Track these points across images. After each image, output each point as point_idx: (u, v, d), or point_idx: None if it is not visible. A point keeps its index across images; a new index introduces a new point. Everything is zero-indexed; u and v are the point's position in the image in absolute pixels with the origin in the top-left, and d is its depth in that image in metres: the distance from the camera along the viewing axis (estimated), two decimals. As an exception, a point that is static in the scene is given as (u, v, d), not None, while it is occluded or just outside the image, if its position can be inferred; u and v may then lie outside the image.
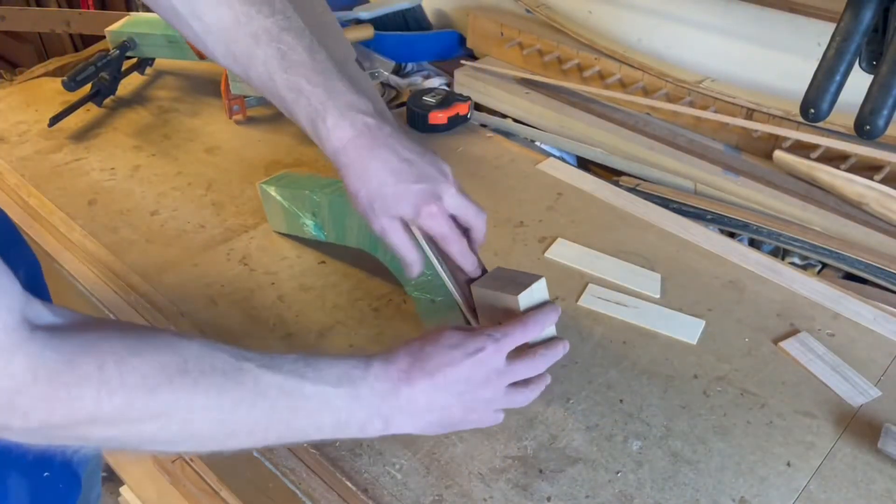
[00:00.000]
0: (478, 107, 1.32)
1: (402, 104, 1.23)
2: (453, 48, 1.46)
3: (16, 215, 0.99)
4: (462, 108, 1.18)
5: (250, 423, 0.52)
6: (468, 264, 0.68)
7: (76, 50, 2.02)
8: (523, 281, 0.66)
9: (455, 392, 0.58)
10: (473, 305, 0.70)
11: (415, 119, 1.18)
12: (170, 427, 0.48)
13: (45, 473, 0.72)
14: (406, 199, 0.63)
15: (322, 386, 0.54)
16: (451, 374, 0.57)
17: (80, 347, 0.44)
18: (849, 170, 1.07)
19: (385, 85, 1.30)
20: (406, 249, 0.66)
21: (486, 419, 0.62)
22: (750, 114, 1.18)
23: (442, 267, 0.69)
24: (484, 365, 0.59)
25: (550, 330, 0.66)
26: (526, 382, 0.63)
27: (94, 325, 0.47)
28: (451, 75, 1.36)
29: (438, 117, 1.16)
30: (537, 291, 0.65)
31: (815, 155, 1.11)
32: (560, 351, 0.64)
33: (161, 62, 1.35)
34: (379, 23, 1.40)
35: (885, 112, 0.73)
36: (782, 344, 0.81)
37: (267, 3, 0.63)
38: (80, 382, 0.44)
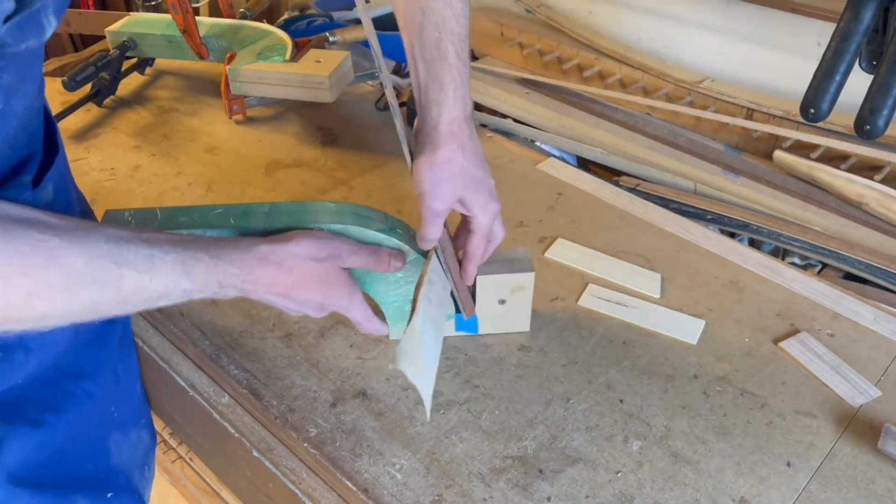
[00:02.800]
0: (478, 107, 1.32)
1: (403, 104, 1.24)
2: (453, 48, 1.46)
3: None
4: (462, 108, 1.18)
5: (119, 310, 0.57)
6: (478, 262, 0.73)
7: (76, 50, 2.02)
8: (513, 258, 0.77)
9: (285, 305, 0.65)
10: (469, 295, 0.76)
11: (414, 119, 1.18)
12: (47, 321, 0.54)
13: (109, 494, 0.77)
14: (485, 187, 0.69)
15: (195, 286, 0.58)
16: (286, 304, 0.64)
17: None
18: (849, 170, 1.07)
19: (385, 85, 1.30)
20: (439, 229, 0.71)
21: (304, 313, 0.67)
22: (750, 114, 1.18)
23: (444, 264, 0.72)
24: (320, 310, 0.66)
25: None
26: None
27: None
28: (451, 75, 1.36)
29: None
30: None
31: (815, 155, 1.11)
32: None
33: (161, 62, 1.35)
34: (379, 23, 1.40)
35: (885, 112, 0.73)
36: (782, 344, 0.81)
37: None
38: None
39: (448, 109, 0.67)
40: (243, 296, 0.62)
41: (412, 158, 0.69)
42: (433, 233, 0.69)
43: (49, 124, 0.69)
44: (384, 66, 0.69)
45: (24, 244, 0.50)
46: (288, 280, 0.62)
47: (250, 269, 0.60)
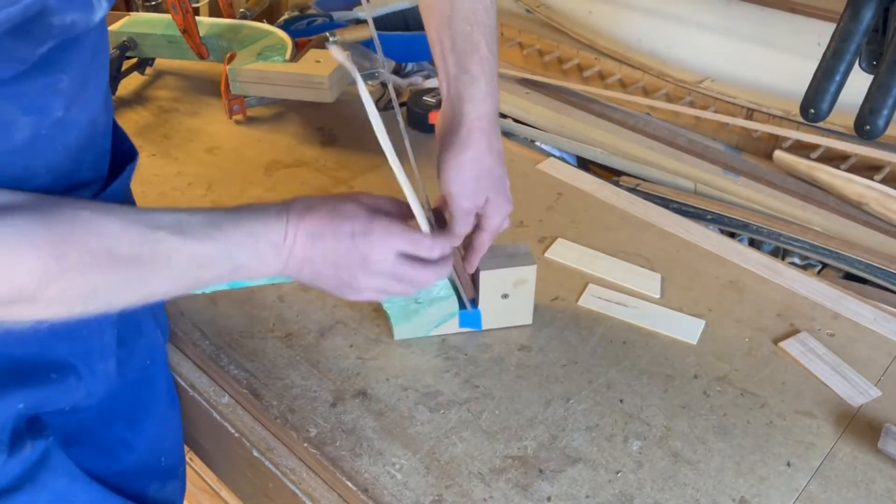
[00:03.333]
0: (478, 107, 1.31)
1: (403, 104, 1.24)
2: (453, 48, 1.46)
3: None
4: (462, 108, 1.18)
5: (165, 287, 0.56)
6: (481, 255, 0.74)
7: (76, 50, 2.02)
8: (513, 252, 0.78)
9: (331, 262, 0.61)
10: (469, 282, 0.77)
11: (415, 119, 1.18)
12: (95, 303, 0.53)
13: None
14: (504, 188, 0.70)
15: (228, 247, 0.57)
16: (330, 246, 0.60)
17: (16, 236, 0.47)
18: (849, 170, 1.07)
19: (385, 85, 1.30)
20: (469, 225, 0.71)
21: (360, 298, 0.64)
22: (750, 114, 1.18)
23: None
24: (366, 247, 0.61)
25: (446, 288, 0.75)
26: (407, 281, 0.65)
27: (21, 209, 0.49)
28: (451, 75, 1.36)
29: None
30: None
31: (815, 155, 1.11)
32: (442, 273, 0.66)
33: (161, 62, 1.35)
34: (379, 23, 1.40)
35: (885, 112, 0.73)
36: (782, 344, 0.81)
37: None
38: (24, 270, 0.47)
39: (479, 104, 0.66)
40: (279, 263, 0.59)
41: (410, 157, 0.69)
42: (465, 228, 0.70)
43: (121, 149, 0.68)
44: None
45: (61, 217, 0.50)
46: (325, 205, 0.60)
47: (275, 214, 0.59)
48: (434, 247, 0.64)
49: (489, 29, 0.66)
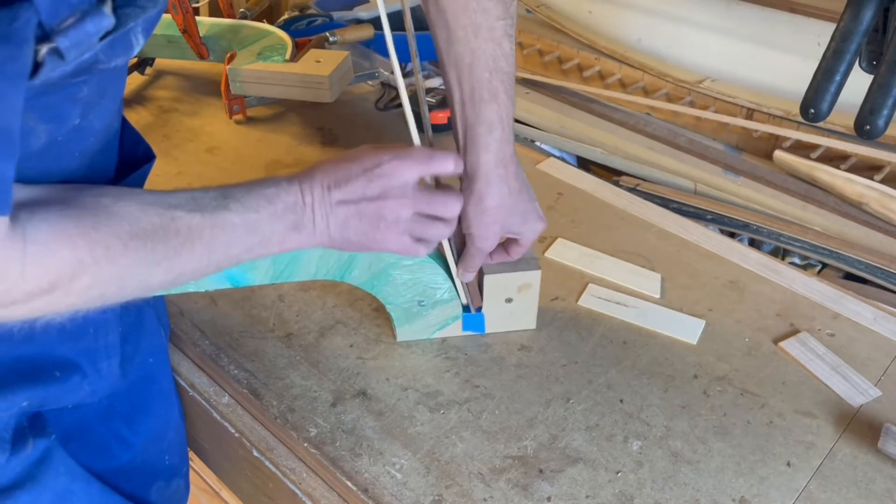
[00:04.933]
0: (478, 107, 1.31)
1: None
2: (453, 48, 1.46)
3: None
4: (462, 108, 1.18)
5: (194, 264, 0.56)
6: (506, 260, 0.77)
7: (76, 50, 2.02)
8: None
9: (353, 208, 0.61)
10: (479, 298, 0.78)
11: (415, 119, 1.18)
12: (129, 285, 0.54)
13: None
14: (533, 214, 0.72)
15: (246, 214, 0.57)
16: (345, 191, 0.61)
17: (50, 233, 0.48)
18: (849, 170, 1.07)
19: (385, 85, 1.30)
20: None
21: (394, 242, 0.64)
22: (750, 114, 1.18)
23: (454, 256, 0.75)
24: (380, 180, 0.61)
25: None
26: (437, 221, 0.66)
27: (47, 203, 0.50)
28: (451, 75, 1.36)
29: (439, 117, 1.15)
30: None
31: (815, 155, 1.11)
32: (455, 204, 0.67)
33: (161, 62, 1.35)
34: (379, 22, 1.40)
35: (885, 112, 0.73)
36: (782, 344, 0.81)
37: (504, 4, 0.64)
38: (59, 263, 0.48)
39: (496, 152, 0.67)
40: (307, 224, 0.59)
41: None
42: (478, 265, 0.74)
43: (135, 151, 0.69)
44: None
45: (85, 205, 0.51)
46: (329, 159, 0.61)
47: (295, 174, 0.59)
48: (446, 162, 0.64)
49: (508, 76, 0.66)
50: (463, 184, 0.69)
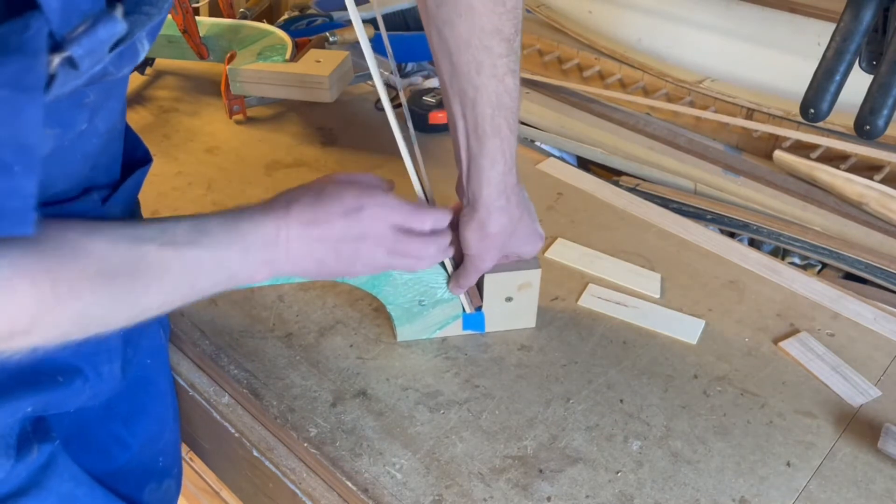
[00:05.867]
0: (478, 107, 1.31)
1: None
2: (453, 48, 1.46)
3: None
4: (462, 108, 1.18)
5: (160, 299, 0.55)
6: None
7: (76, 50, 2.02)
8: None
9: (330, 246, 0.61)
10: (479, 298, 0.79)
11: (415, 119, 1.18)
12: (92, 324, 0.52)
13: None
14: (534, 236, 0.74)
15: (217, 251, 0.56)
16: (325, 230, 0.61)
17: (10, 268, 0.45)
18: (849, 170, 1.07)
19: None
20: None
21: (373, 271, 0.66)
22: (750, 114, 1.18)
23: (452, 259, 0.75)
24: (360, 224, 0.62)
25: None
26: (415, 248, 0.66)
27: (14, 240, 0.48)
28: (451, 75, 1.36)
29: (438, 117, 1.16)
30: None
31: (815, 155, 1.11)
32: (443, 246, 0.69)
33: (161, 62, 1.35)
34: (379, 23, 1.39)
35: (885, 112, 0.73)
36: (782, 344, 0.81)
37: (508, 42, 0.64)
38: (20, 302, 0.46)
39: (498, 185, 0.68)
40: (276, 259, 0.59)
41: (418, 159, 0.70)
42: (473, 282, 0.75)
43: (134, 154, 0.68)
44: (375, 65, 0.71)
45: (50, 242, 0.49)
46: (307, 193, 0.60)
47: (260, 209, 0.59)
48: (427, 218, 0.65)
49: (511, 112, 0.66)
50: (465, 210, 0.70)
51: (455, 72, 0.64)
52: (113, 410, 0.72)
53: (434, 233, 0.68)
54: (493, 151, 0.66)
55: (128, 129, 0.68)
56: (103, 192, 0.63)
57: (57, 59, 0.40)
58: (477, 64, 0.63)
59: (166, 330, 0.80)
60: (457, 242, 0.72)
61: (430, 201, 0.73)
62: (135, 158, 0.68)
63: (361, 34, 0.63)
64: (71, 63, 0.41)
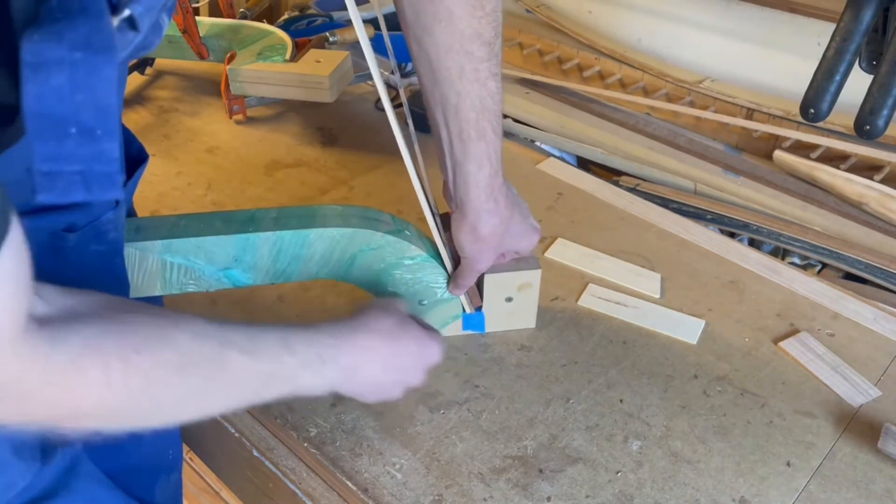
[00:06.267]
0: (478, 107, 1.31)
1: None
2: (453, 48, 1.46)
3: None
4: (462, 108, 1.18)
5: (229, 404, 0.55)
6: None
7: (76, 50, 2.02)
8: (519, 256, 0.78)
9: (390, 381, 0.64)
10: (479, 298, 0.79)
11: (415, 119, 1.18)
12: (159, 417, 0.51)
13: None
14: (529, 231, 0.74)
15: (296, 370, 0.56)
16: (386, 381, 0.63)
17: (83, 347, 0.44)
18: (849, 170, 1.07)
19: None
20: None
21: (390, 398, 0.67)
22: (750, 114, 1.18)
23: (451, 260, 0.76)
24: (412, 377, 0.65)
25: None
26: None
27: (91, 316, 0.47)
28: (451, 75, 1.36)
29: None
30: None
31: (815, 155, 1.11)
32: None
33: (161, 62, 1.35)
34: (378, 23, 1.39)
35: (885, 112, 0.73)
36: (782, 344, 0.81)
37: (489, 46, 0.63)
38: (86, 384, 0.44)
39: (485, 188, 0.68)
40: (341, 382, 0.60)
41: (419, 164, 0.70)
42: (471, 283, 0.76)
43: (128, 152, 0.68)
44: (375, 65, 0.70)
45: (135, 323, 0.47)
46: (382, 338, 0.62)
47: (345, 336, 0.60)
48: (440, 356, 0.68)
49: (494, 115, 0.66)
50: (454, 214, 0.71)
51: (436, 78, 0.64)
52: None
53: None
54: (479, 155, 0.66)
55: (123, 128, 0.68)
56: None
57: (117, 21, 0.40)
58: (459, 69, 0.63)
59: None
60: (451, 244, 0.73)
61: (430, 201, 0.73)
62: (130, 155, 0.68)
63: (362, 34, 0.63)
64: (131, 23, 0.40)
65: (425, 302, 0.77)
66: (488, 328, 0.81)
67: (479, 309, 0.79)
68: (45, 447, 0.61)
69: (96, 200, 0.40)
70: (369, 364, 0.61)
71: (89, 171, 0.39)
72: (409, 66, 1.41)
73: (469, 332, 0.81)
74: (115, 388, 0.45)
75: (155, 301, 0.78)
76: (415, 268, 0.74)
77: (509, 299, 0.79)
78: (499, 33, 0.63)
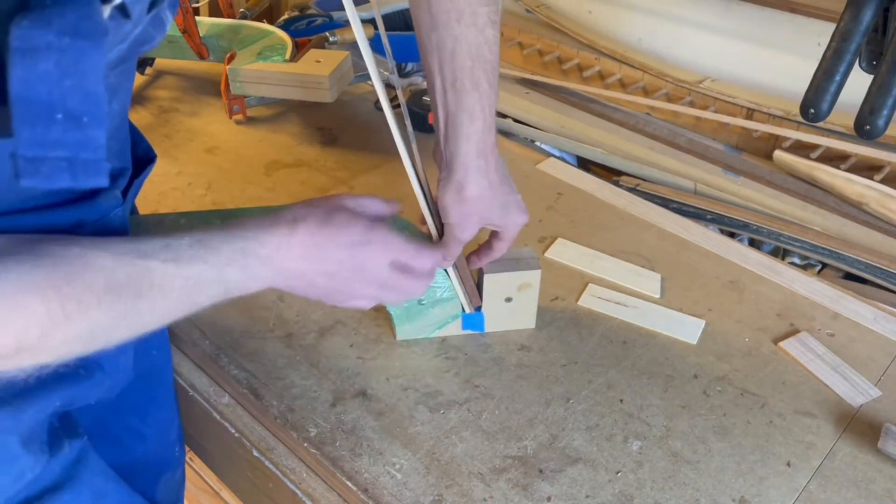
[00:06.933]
0: (478, 107, 1.31)
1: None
2: (453, 48, 1.46)
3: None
4: (462, 108, 1.18)
5: (161, 314, 0.54)
6: (493, 258, 0.76)
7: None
8: (518, 256, 0.78)
9: (326, 273, 0.60)
10: (478, 298, 0.78)
11: (414, 119, 1.18)
12: (97, 340, 0.51)
13: None
14: (514, 207, 0.71)
15: (220, 268, 0.55)
16: (325, 258, 0.59)
17: (19, 283, 0.45)
18: (849, 170, 1.07)
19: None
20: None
21: (351, 305, 0.64)
22: (750, 114, 1.18)
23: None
24: (361, 258, 0.60)
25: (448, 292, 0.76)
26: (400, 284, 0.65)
27: (16, 254, 0.47)
28: (451, 75, 1.36)
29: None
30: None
31: (815, 155, 1.11)
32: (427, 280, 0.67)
33: (161, 62, 1.35)
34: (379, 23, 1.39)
35: (885, 112, 0.73)
36: (782, 344, 0.81)
37: None
38: (29, 318, 0.45)
39: (477, 143, 0.66)
40: (272, 276, 0.58)
41: (417, 160, 0.70)
42: (456, 253, 0.72)
43: (135, 151, 0.68)
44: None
45: (54, 256, 0.48)
46: (298, 225, 0.58)
47: (264, 228, 0.58)
48: (428, 261, 0.64)
49: (491, 65, 0.64)
50: (442, 173, 0.68)
51: (434, 22, 0.63)
52: (126, 403, 0.72)
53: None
54: (471, 106, 0.64)
55: (131, 126, 0.69)
56: (121, 183, 0.62)
57: (108, 9, 0.40)
58: (457, 12, 0.62)
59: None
60: (439, 219, 0.71)
61: (429, 201, 0.73)
62: (136, 155, 0.68)
63: (360, 34, 0.63)
64: (123, 11, 0.40)
65: (425, 301, 0.77)
66: (488, 328, 0.81)
67: (478, 309, 0.79)
68: (52, 440, 0.61)
69: (81, 187, 0.40)
70: (290, 253, 0.58)
71: (76, 159, 0.39)
72: (408, 67, 1.41)
73: (469, 331, 0.81)
74: (55, 318, 0.46)
75: None
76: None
77: (509, 299, 0.79)
78: None
